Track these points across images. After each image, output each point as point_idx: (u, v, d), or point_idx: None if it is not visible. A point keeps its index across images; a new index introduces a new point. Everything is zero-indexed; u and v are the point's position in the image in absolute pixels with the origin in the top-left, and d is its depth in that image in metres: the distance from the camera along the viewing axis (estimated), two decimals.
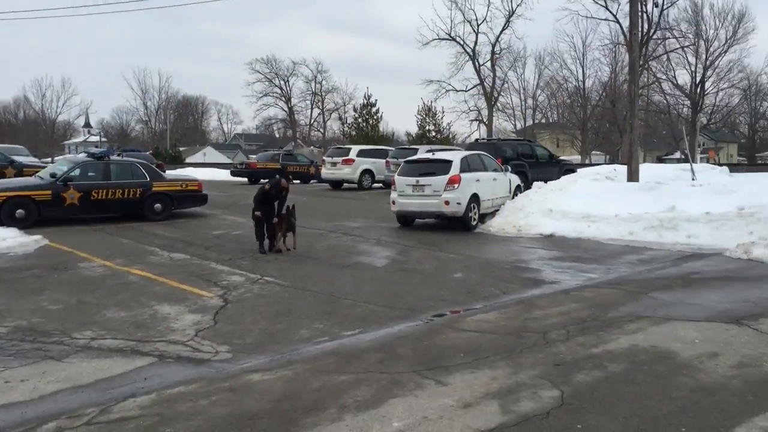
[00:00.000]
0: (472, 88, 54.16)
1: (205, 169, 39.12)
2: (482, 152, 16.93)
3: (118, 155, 20.67)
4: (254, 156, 34.24)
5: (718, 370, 5.25)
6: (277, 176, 12.05)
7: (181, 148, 70.23)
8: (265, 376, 5.39)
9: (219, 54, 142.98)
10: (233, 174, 32.11)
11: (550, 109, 73.85)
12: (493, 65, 53.03)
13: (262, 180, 13.00)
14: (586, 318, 7.05)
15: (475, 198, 14.61)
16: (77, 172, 15.22)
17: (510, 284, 9.06)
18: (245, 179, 30.33)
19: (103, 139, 75.73)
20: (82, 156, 18.54)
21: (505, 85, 60.07)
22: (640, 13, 46.04)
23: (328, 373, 5.41)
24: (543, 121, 74.61)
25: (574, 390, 4.89)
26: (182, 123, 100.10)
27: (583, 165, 36.59)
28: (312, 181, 31.25)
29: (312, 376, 5.37)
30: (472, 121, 56.94)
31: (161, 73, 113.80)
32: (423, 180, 14.30)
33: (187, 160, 63.81)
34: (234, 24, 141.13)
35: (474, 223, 14.70)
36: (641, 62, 45.93)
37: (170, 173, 22.74)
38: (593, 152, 67.64)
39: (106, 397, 5.00)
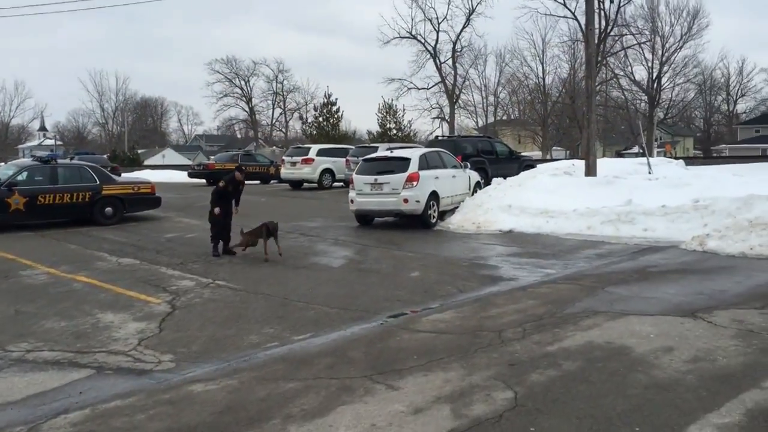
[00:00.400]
0: (433, 86, 54.24)
1: (163, 171, 38.40)
2: (441, 149, 16.84)
3: (71, 158, 20.04)
4: (213, 157, 33.65)
5: (673, 366, 5.17)
6: (234, 171, 11.64)
7: (139, 151, 68.84)
8: (209, 386, 5.13)
9: (178, 55, 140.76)
10: (191, 175, 31.50)
11: (512, 105, 74.47)
12: (454, 63, 53.12)
13: None
14: (543, 315, 6.95)
15: (434, 195, 14.48)
16: (23, 176, 14.67)
17: (468, 282, 8.93)
18: (203, 181, 29.76)
19: (59, 143, 73.78)
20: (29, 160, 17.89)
21: (467, 83, 60.32)
22: (597, 10, 46.64)
23: (275, 381, 5.18)
24: (504, 117, 75.15)
25: (528, 391, 4.75)
26: (141, 125, 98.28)
27: (543, 160, 36.88)
28: (272, 182, 30.84)
29: (258, 384, 5.14)
30: (434, 118, 57.13)
31: (118, 74, 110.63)
32: (381, 178, 14.12)
33: (146, 162, 62.67)
34: (192, 24, 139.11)
35: (433, 220, 14.58)
36: (599, 58, 46.56)
37: (126, 176, 22.21)
38: (554, 148, 68.44)
39: (37, 414, 4.70)
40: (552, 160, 41.03)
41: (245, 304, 7.87)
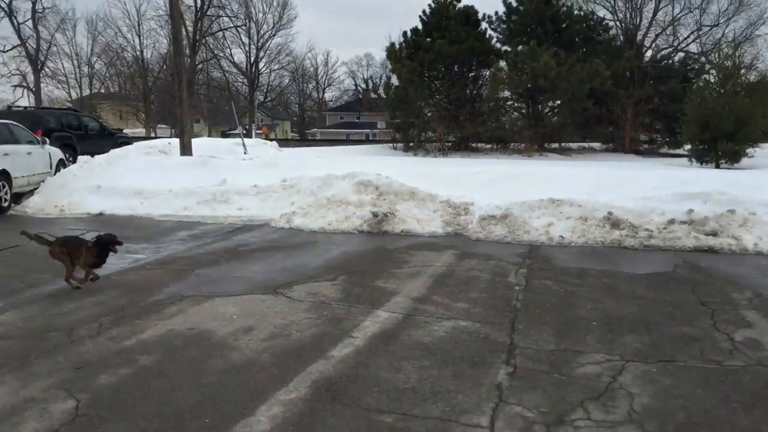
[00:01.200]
0: (11, 49, 47.79)
1: None
2: (12, 122, 14.61)
3: None
4: None
5: (251, 346, 5.21)
6: None
7: None
8: None
9: None
10: None
11: (110, 78, 69.76)
12: (35, 25, 47.47)
13: None
14: (125, 305, 6.43)
15: (4, 175, 12.53)
16: None
17: (42, 275, 7.80)
18: None
19: None
20: None
21: (54, 49, 54.39)
22: None
23: None
24: (103, 91, 70.10)
25: (93, 397, 4.24)
26: None
27: (147, 138, 35.43)
28: None
29: None
30: (15, 86, 50.28)
31: None
32: None
33: None
34: None
35: (6, 204, 12.65)
36: (198, 37, 46.65)
37: None
38: (159, 125, 66.52)
39: None
40: (157, 138, 39.79)
41: None
